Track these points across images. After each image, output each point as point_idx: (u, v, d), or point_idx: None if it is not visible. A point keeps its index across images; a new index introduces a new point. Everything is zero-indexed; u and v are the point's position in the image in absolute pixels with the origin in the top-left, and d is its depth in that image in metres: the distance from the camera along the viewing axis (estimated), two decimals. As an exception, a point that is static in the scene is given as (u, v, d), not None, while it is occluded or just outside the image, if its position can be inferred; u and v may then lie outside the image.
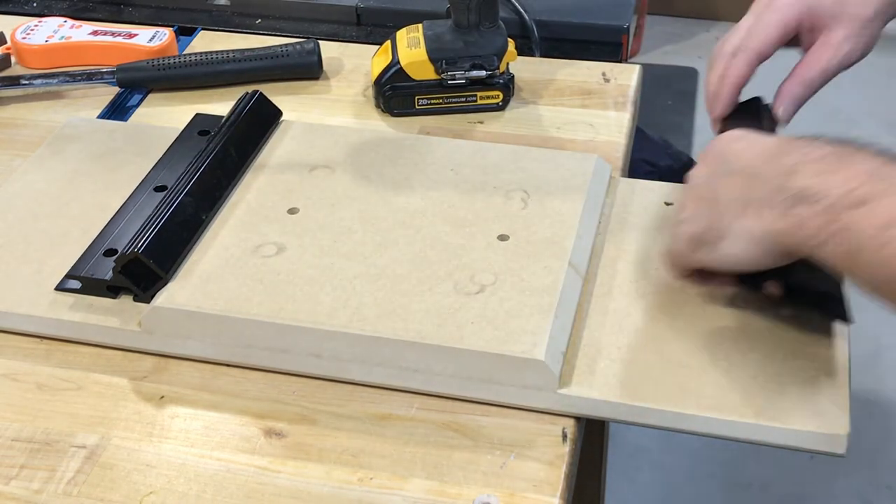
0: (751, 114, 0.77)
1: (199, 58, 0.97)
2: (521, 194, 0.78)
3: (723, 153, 0.67)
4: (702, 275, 0.69)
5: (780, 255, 0.62)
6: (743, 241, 0.62)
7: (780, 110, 0.77)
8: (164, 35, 1.03)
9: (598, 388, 0.65)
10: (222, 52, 0.98)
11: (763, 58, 0.77)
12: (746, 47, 0.77)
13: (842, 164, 0.58)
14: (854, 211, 0.56)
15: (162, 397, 0.69)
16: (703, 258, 0.66)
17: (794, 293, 0.68)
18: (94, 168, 0.84)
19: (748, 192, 0.62)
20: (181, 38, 1.06)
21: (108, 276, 0.71)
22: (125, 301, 0.72)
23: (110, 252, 0.74)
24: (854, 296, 0.67)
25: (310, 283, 0.70)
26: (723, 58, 0.77)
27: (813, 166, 0.59)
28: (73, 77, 0.98)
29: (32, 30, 1.02)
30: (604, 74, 0.98)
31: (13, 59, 1.02)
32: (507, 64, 0.93)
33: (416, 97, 0.92)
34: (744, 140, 0.67)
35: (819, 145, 0.60)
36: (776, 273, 0.65)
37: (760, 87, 0.79)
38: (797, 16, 0.76)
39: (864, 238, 0.55)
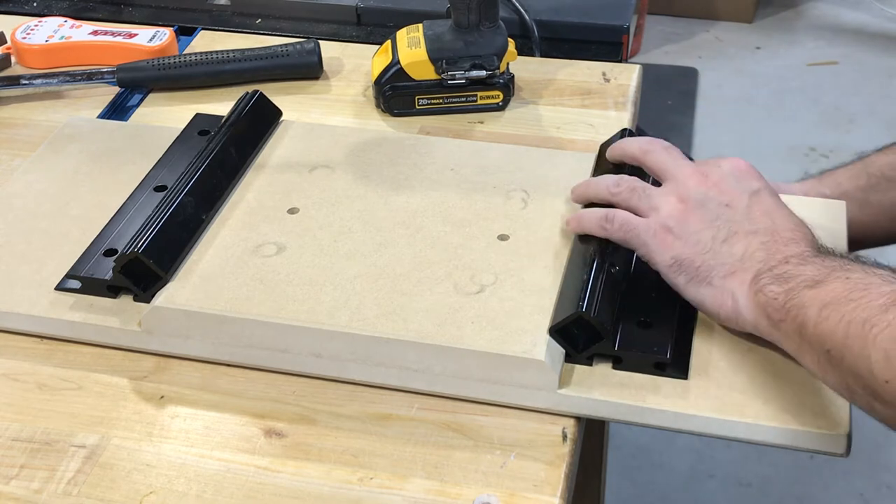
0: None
1: (199, 58, 0.97)
2: (521, 194, 0.78)
3: (748, 198, 0.68)
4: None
5: (744, 326, 0.65)
6: (722, 299, 0.65)
7: None
8: (165, 35, 1.03)
9: (598, 388, 0.65)
10: (222, 52, 0.98)
11: None
12: None
13: (821, 259, 0.62)
14: (808, 290, 0.60)
15: (162, 397, 0.69)
16: (680, 285, 0.67)
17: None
18: (94, 168, 0.84)
19: (746, 258, 0.65)
20: (181, 38, 1.06)
21: (108, 275, 0.71)
22: (125, 301, 0.72)
23: (110, 252, 0.74)
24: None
25: (310, 283, 0.70)
26: None
27: (802, 259, 0.63)
28: (73, 77, 0.98)
29: (32, 30, 1.02)
30: (604, 74, 0.98)
31: (13, 59, 1.02)
32: (508, 64, 0.93)
33: (417, 97, 0.92)
34: (772, 199, 0.68)
35: (818, 248, 0.65)
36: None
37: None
38: None
39: (808, 314, 0.59)
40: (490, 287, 0.70)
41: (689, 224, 0.67)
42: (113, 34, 1.03)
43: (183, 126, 0.88)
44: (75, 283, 0.73)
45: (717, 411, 0.64)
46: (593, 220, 0.71)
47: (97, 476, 0.63)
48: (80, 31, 1.03)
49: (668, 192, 0.69)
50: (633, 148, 0.74)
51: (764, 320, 0.63)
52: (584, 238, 0.72)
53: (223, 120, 0.85)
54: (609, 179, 0.72)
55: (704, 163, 0.71)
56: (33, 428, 0.67)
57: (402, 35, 0.93)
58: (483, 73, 0.90)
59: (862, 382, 0.56)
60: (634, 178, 0.71)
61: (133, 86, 0.98)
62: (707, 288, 0.66)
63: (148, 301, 0.71)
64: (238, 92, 0.90)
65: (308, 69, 0.98)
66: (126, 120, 0.94)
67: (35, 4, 1.15)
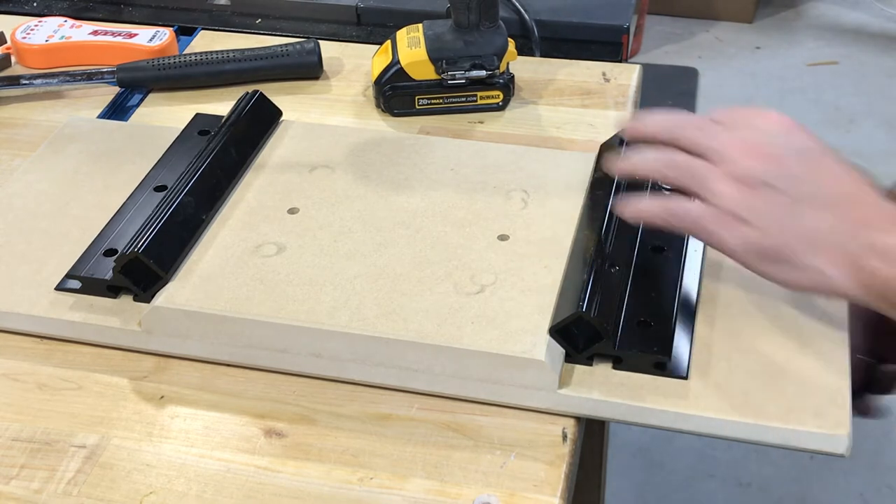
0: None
1: (199, 58, 0.97)
2: (521, 194, 0.78)
3: (806, 162, 0.64)
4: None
5: (846, 299, 0.65)
6: (812, 279, 0.62)
7: None
8: (165, 35, 1.03)
9: (598, 388, 0.65)
10: (222, 52, 0.98)
11: None
12: None
13: None
14: None
15: (162, 397, 0.69)
16: (768, 272, 0.64)
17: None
18: (94, 168, 0.84)
19: (828, 232, 0.62)
20: (181, 38, 1.06)
21: (108, 275, 0.71)
22: (125, 301, 0.72)
23: (110, 252, 0.74)
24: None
25: (310, 283, 0.70)
26: None
27: (885, 222, 0.60)
28: (73, 77, 0.98)
29: (32, 30, 1.02)
30: (604, 74, 0.98)
31: (13, 58, 1.02)
32: (508, 64, 0.93)
33: (417, 97, 0.92)
34: (826, 154, 0.64)
35: (879, 191, 0.62)
36: None
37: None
38: None
39: None
40: (490, 287, 0.70)
41: (754, 206, 0.63)
42: (113, 34, 1.03)
43: (183, 126, 0.88)
44: (75, 283, 0.73)
45: (717, 411, 0.64)
46: (655, 212, 0.66)
47: (97, 476, 0.63)
48: (80, 31, 1.03)
49: (723, 175, 0.64)
50: (656, 127, 0.69)
51: (882, 303, 0.61)
52: (583, 237, 0.72)
53: (223, 120, 0.85)
54: (656, 159, 0.67)
55: (733, 124, 0.66)
56: (33, 428, 0.67)
57: (402, 35, 0.93)
58: (483, 73, 0.90)
59: None
60: (680, 155, 0.66)
61: (133, 86, 0.98)
62: (790, 270, 0.62)
63: (148, 301, 0.71)
64: (238, 92, 0.90)
65: (308, 69, 0.98)
66: (126, 120, 0.94)
67: (35, 4, 1.15)
